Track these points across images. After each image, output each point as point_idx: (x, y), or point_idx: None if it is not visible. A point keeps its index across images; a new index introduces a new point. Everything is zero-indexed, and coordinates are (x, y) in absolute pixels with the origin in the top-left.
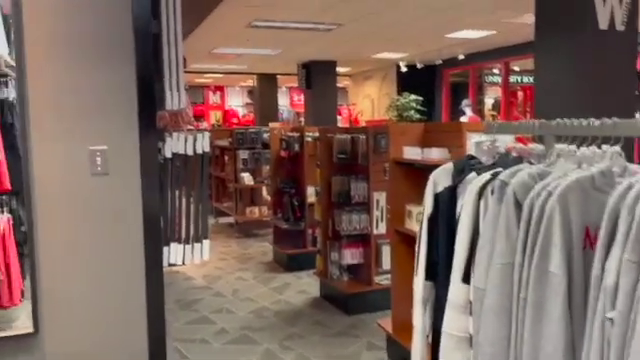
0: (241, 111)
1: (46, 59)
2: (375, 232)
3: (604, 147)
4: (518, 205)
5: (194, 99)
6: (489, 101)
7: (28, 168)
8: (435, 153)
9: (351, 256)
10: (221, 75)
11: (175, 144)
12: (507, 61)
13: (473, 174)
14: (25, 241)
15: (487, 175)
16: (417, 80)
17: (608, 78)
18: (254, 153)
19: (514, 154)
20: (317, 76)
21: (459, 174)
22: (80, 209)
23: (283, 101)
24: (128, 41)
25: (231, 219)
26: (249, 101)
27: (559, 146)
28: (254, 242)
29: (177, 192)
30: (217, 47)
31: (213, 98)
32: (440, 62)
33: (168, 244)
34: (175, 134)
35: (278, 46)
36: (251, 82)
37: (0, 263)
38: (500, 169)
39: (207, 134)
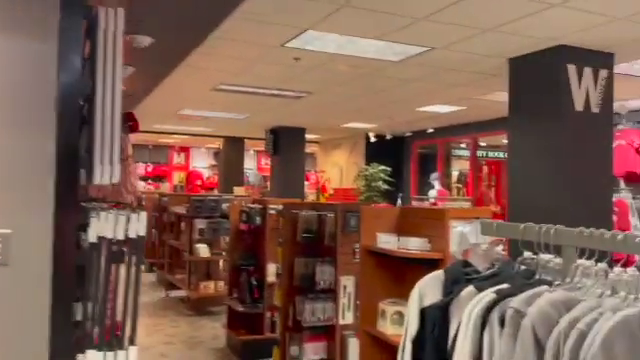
0: (206, 173)
1: None
2: (341, 322)
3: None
4: (539, 345)
5: (157, 159)
6: (455, 173)
7: None
8: (413, 243)
9: (314, 351)
10: (187, 136)
11: (102, 226)
12: (475, 137)
13: (470, 288)
14: None
15: (490, 294)
16: (386, 150)
17: (583, 158)
18: (212, 223)
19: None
20: (285, 142)
21: (452, 285)
22: None
23: (251, 164)
24: (49, 103)
25: (183, 293)
26: (214, 163)
27: (583, 262)
28: (207, 322)
29: (101, 287)
30: (183, 109)
31: (177, 159)
32: (409, 134)
33: (83, 351)
34: (103, 213)
35: (245, 111)
36: (218, 144)
37: None
38: (506, 285)
39: (144, 214)
